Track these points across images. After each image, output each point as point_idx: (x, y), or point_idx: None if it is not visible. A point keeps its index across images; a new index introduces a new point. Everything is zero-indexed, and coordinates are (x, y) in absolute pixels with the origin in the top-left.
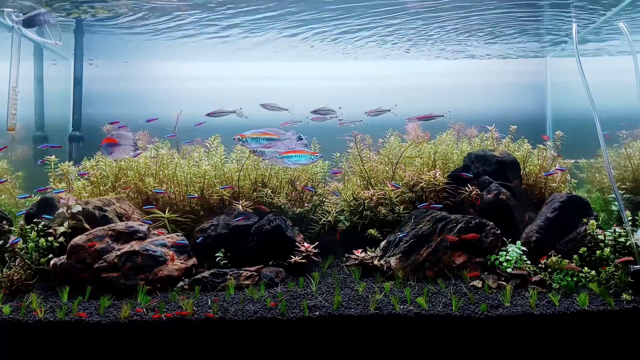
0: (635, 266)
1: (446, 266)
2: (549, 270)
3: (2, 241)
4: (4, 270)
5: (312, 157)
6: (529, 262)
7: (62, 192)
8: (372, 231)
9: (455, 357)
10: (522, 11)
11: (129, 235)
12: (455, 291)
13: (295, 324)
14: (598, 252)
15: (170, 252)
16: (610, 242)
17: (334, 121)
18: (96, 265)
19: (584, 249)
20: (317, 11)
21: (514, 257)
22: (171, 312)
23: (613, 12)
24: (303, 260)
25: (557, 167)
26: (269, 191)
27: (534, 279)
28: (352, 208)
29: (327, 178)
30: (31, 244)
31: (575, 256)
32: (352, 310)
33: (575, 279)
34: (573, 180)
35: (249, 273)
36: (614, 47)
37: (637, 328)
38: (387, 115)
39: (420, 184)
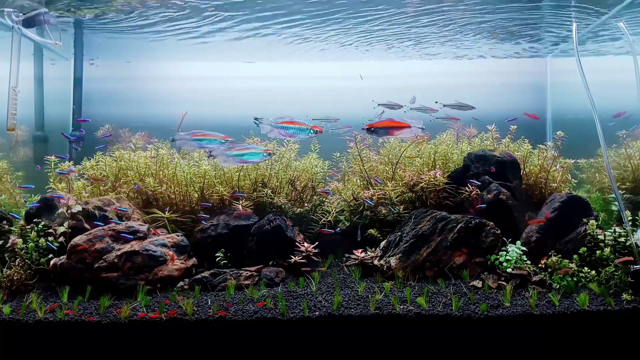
0: (635, 266)
1: (446, 266)
2: (549, 270)
3: (2, 241)
4: (4, 270)
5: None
6: (529, 262)
7: (36, 205)
8: (372, 231)
9: (455, 357)
10: (522, 11)
11: (129, 235)
12: (455, 291)
13: (295, 324)
14: (598, 252)
15: (170, 252)
16: (610, 242)
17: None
18: (96, 265)
19: (584, 249)
20: (318, 12)
21: (514, 257)
22: (167, 312)
23: (613, 12)
24: (303, 260)
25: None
26: (269, 191)
27: (534, 279)
28: (352, 208)
29: (327, 178)
30: (31, 244)
31: (575, 256)
32: (352, 310)
33: (575, 279)
34: (573, 180)
35: (249, 273)
36: (614, 47)
37: (637, 328)
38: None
39: (420, 184)
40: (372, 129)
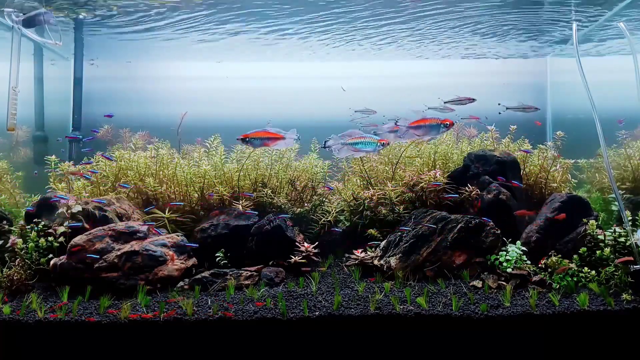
0: (635, 266)
1: (446, 266)
2: (549, 270)
3: (2, 241)
4: (4, 270)
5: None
6: (529, 262)
7: (28, 211)
8: (372, 231)
9: (455, 357)
10: (522, 11)
11: (129, 235)
12: (455, 291)
13: (295, 324)
14: (598, 252)
15: (170, 252)
16: (610, 242)
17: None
18: (96, 265)
19: (584, 249)
20: (318, 12)
21: (514, 257)
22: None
23: (613, 12)
24: (303, 260)
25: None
26: (269, 191)
27: (534, 279)
28: (352, 208)
29: (327, 178)
30: (31, 244)
31: (575, 256)
32: (352, 310)
33: (575, 279)
34: (573, 180)
35: (249, 273)
36: (614, 47)
37: (637, 328)
38: (378, 116)
39: (421, 184)
40: (247, 139)
